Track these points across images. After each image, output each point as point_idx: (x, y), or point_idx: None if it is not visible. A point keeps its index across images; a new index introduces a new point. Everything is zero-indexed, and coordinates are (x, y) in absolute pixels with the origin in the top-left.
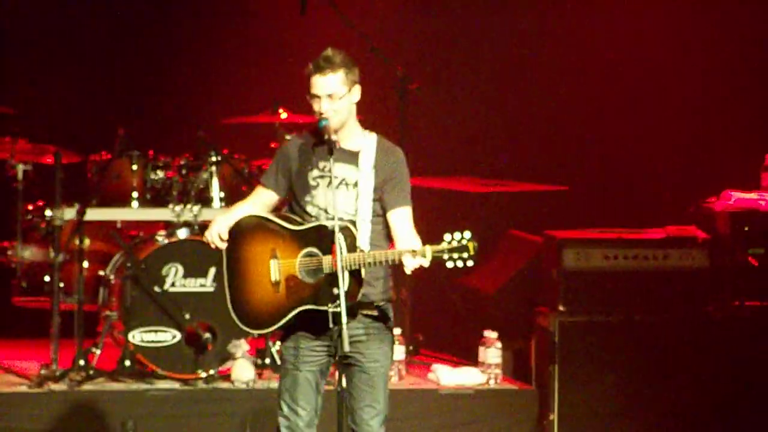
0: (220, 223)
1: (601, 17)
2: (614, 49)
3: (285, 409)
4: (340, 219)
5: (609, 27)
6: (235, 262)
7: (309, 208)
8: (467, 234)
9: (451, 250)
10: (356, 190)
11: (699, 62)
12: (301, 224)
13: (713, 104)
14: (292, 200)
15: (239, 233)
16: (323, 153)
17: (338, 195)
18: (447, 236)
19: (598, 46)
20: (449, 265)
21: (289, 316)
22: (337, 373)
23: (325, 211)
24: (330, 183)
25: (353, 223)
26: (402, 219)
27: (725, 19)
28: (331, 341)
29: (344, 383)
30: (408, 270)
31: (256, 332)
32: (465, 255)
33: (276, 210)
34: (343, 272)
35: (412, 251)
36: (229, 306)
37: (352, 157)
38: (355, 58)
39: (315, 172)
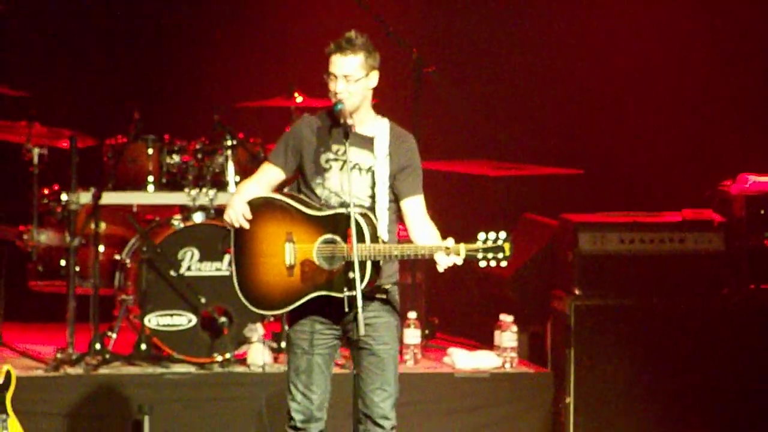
0: (239, 201)
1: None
2: (631, 34)
3: (297, 393)
4: (355, 204)
5: (624, 12)
6: (246, 243)
7: (319, 191)
8: (503, 234)
9: (486, 250)
10: (370, 175)
11: (716, 47)
12: (318, 209)
13: (730, 87)
14: (300, 181)
15: (252, 214)
16: (338, 136)
17: (352, 180)
18: (482, 235)
19: (614, 30)
20: (482, 264)
21: (303, 300)
22: (352, 357)
23: (337, 194)
24: (343, 167)
25: (372, 210)
26: (417, 207)
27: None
28: (342, 325)
29: None
30: (441, 268)
31: (265, 313)
32: (500, 255)
33: (280, 188)
34: (365, 261)
35: (446, 248)
36: (236, 285)
37: (366, 143)
38: (370, 40)
39: (328, 155)
